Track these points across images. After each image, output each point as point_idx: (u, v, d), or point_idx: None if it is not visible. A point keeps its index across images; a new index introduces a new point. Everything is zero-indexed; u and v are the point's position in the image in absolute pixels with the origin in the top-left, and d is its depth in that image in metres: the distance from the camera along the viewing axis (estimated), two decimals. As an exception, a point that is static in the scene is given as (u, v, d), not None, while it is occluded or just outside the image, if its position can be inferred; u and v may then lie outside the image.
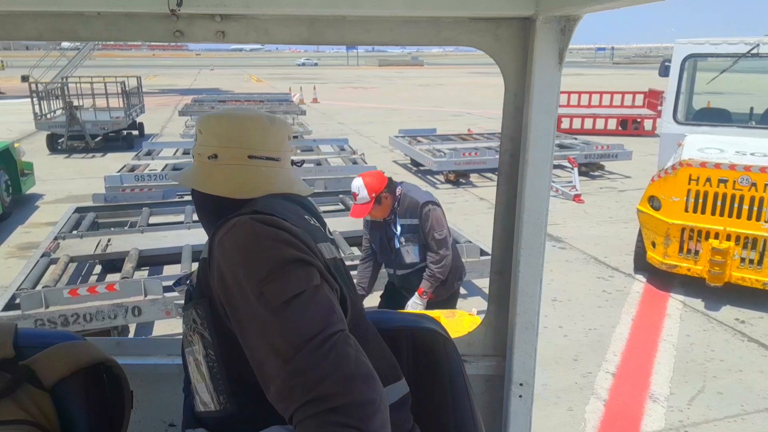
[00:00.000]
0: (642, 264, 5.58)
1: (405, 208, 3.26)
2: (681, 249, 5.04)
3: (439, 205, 3.30)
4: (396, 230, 3.32)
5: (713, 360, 4.09)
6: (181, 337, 1.17)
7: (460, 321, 2.62)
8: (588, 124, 15.01)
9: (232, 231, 1.04)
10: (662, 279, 5.41)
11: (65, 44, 21.32)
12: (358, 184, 3.23)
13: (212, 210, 1.21)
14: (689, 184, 4.94)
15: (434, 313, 2.30)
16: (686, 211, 4.98)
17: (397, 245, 3.33)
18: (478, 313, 2.93)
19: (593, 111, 15.63)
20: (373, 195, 3.19)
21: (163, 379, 1.63)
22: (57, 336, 1.35)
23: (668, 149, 5.89)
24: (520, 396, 1.55)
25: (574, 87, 21.91)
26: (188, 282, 1.19)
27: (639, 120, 15.02)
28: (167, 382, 1.60)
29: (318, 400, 0.87)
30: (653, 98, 15.18)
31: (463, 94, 27.36)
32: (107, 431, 1.29)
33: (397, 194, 3.30)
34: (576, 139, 11.44)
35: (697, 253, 4.99)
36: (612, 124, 15.06)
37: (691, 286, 5.28)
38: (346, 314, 1.07)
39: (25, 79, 17.75)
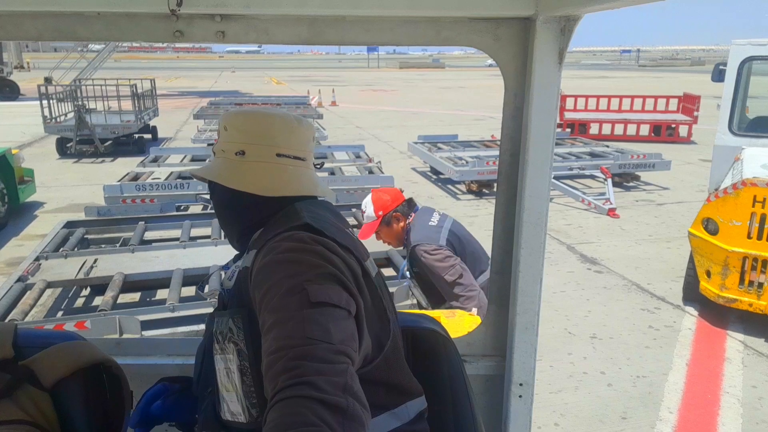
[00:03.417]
0: (692, 294, 4.91)
1: (406, 245, 2.71)
2: (742, 281, 4.36)
3: (432, 246, 2.67)
4: (404, 264, 2.76)
5: (789, 421, 3.43)
6: (186, 337, 0.86)
7: (460, 321, 2.47)
8: (618, 129, 14.24)
9: (288, 238, 1.05)
10: (716, 312, 4.73)
11: (92, 46, 21.25)
12: (366, 200, 2.72)
13: (238, 208, 1.20)
14: (753, 206, 4.26)
15: (434, 313, 2.17)
16: (749, 237, 4.30)
17: (404, 281, 2.78)
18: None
19: (624, 116, 14.83)
20: (380, 213, 2.66)
21: None
22: (57, 336, 1.35)
23: (723, 163, 5.22)
24: (520, 396, 1.54)
25: (601, 90, 21.15)
26: (222, 287, 1.21)
27: (674, 126, 14.19)
28: None
29: (309, 385, 0.85)
30: (689, 103, 14.32)
31: (486, 97, 26.62)
32: (107, 431, 1.28)
33: (409, 220, 2.72)
34: (608, 146, 10.72)
35: (761, 286, 4.30)
36: (644, 130, 14.26)
37: (751, 322, 4.61)
38: (389, 338, 1.15)
39: (48, 80, 17.60)
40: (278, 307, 0.96)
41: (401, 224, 2.73)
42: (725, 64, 5.42)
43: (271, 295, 0.99)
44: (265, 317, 0.98)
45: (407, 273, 2.77)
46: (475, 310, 2.53)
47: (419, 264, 2.65)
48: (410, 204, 2.79)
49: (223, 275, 1.24)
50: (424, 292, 2.86)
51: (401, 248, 2.93)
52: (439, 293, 2.72)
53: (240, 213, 1.21)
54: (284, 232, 1.08)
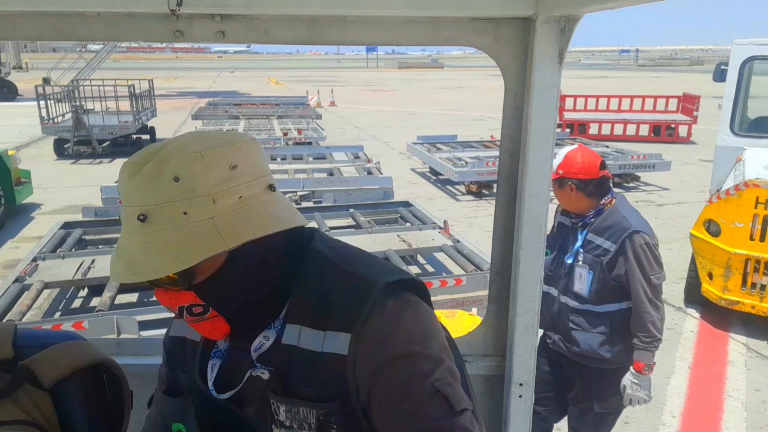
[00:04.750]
0: (694, 296, 4.89)
1: (606, 226, 2.51)
2: (744, 283, 4.34)
3: (655, 242, 2.52)
4: (577, 239, 2.57)
5: (793, 425, 3.39)
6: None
7: (460, 321, 2.42)
8: (618, 129, 14.23)
9: (395, 321, 0.95)
10: (718, 315, 4.70)
11: (91, 46, 21.19)
12: (562, 151, 2.60)
13: (252, 270, 0.94)
14: (756, 207, 4.23)
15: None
16: (751, 239, 4.27)
17: (570, 260, 2.58)
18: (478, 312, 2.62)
19: (624, 116, 14.83)
20: (560, 172, 2.54)
21: None
22: (57, 336, 1.32)
23: (724, 164, 5.19)
24: (520, 396, 1.55)
25: (600, 90, 21.12)
26: (260, 366, 0.98)
27: (673, 126, 14.18)
28: None
29: None
30: (688, 103, 14.32)
31: (485, 97, 26.61)
32: (107, 431, 1.26)
33: (601, 203, 2.55)
34: (608, 147, 10.70)
35: (763, 288, 4.28)
36: (644, 130, 14.25)
37: (753, 323, 4.58)
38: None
39: (46, 81, 17.53)
40: (419, 415, 0.92)
41: (577, 196, 2.55)
42: (727, 64, 5.40)
43: (399, 395, 0.92)
44: (400, 422, 0.93)
45: (582, 255, 2.54)
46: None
47: (630, 254, 2.43)
48: (602, 184, 2.54)
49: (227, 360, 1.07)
50: (594, 283, 2.56)
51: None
52: (610, 290, 2.51)
53: (251, 278, 0.96)
54: (382, 300, 0.95)
